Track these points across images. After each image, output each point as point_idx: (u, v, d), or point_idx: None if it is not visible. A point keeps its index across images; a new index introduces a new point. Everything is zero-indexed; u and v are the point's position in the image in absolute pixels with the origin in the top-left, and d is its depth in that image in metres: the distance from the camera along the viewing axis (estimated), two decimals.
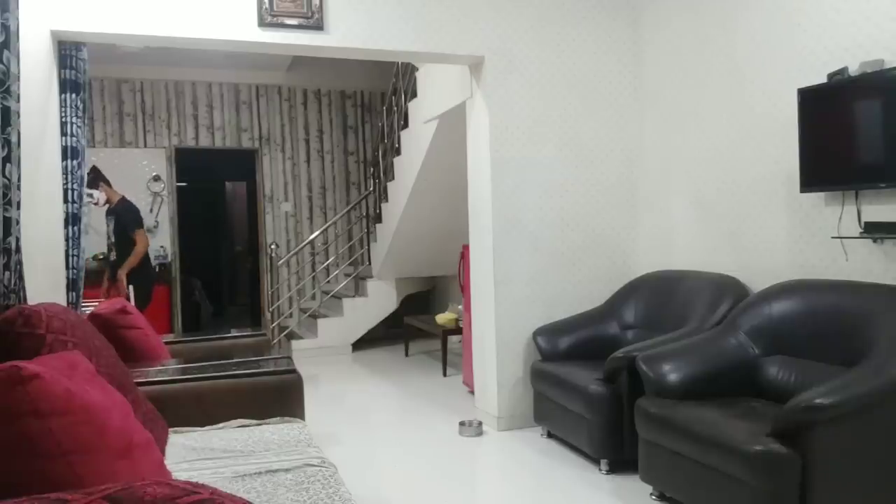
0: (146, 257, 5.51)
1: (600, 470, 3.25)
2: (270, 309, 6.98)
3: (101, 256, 6.40)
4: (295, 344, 6.71)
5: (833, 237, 2.96)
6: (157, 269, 6.85)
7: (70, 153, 3.33)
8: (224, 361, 2.97)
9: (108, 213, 5.49)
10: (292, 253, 7.37)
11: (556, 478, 3.24)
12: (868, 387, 2.23)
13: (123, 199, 5.48)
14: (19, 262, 2.22)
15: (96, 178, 5.31)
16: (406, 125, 6.12)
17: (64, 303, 3.27)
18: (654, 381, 2.84)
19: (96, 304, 3.71)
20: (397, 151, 6.35)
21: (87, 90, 3.50)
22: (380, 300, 6.89)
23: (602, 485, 3.11)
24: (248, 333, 4.08)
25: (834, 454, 2.19)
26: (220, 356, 3.15)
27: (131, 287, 5.26)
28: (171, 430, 2.37)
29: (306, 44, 3.63)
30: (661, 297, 3.76)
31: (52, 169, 3.20)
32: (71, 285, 3.34)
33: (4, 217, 2.08)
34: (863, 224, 2.81)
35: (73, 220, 3.34)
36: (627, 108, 4.28)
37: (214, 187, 10.12)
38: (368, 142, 8.00)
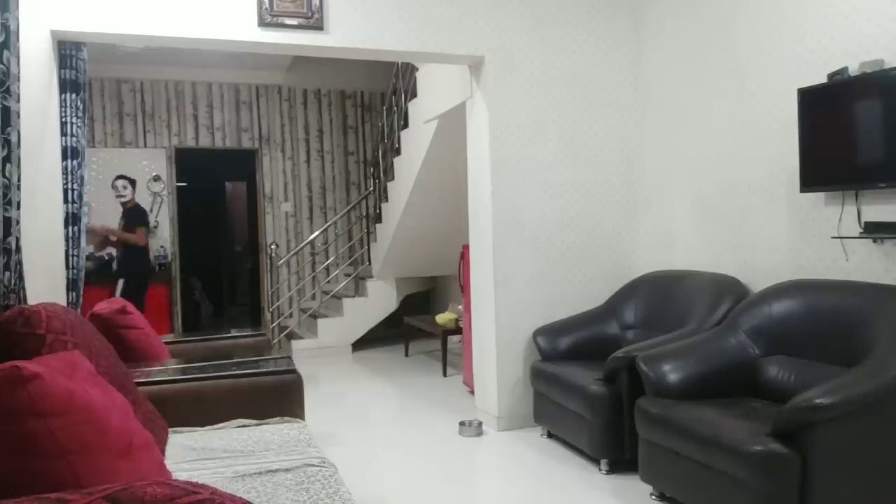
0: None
1: (600, 470, 3.25)
2: (270, 309, 6.98)
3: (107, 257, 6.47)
4: (295, 344, 6.71)
5: (833, 237, 2.96)
6: (156, 269, 6.86)
7: (70, 153, 3.33)
8: (224, 361, 2.97)
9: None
10: (292, 253, 7.37)
11: (556, 478, 3.24)
12: (868, 387, 2.22)
13: None
14: (19, 262, 2.22)
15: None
16: (406, 125, 6.12)
17: (64, 303, 3.27)
18: (654, 381, 2.84)
19: None
20: (397, 151, 6.35)
21: (87, 90, 3.50)
22: (380, 300, 6.89)
23: (602, 485, 3.11)
24: (248, 333, 4.08)
25: (834, 454, 2.19)
26: (220, 356, 3.16)
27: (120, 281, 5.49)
28: (171, 430, 2.37)
29: (306, 44, 3.63)
30: (661, 297, 3.76)
31: (52, 169, 3.20)
32: (71, 285, 3.34)
33: (4, 217, 2.08)
34: (863, 224, 2.81)
35: (73, 220, 3.34)
36: (627, 108, 4.28)
37: (214, 187, 10.13)
38: (368, 142, 8.00)
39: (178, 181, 7.39)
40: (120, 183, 6.71)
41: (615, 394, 3.18)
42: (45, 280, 2.95)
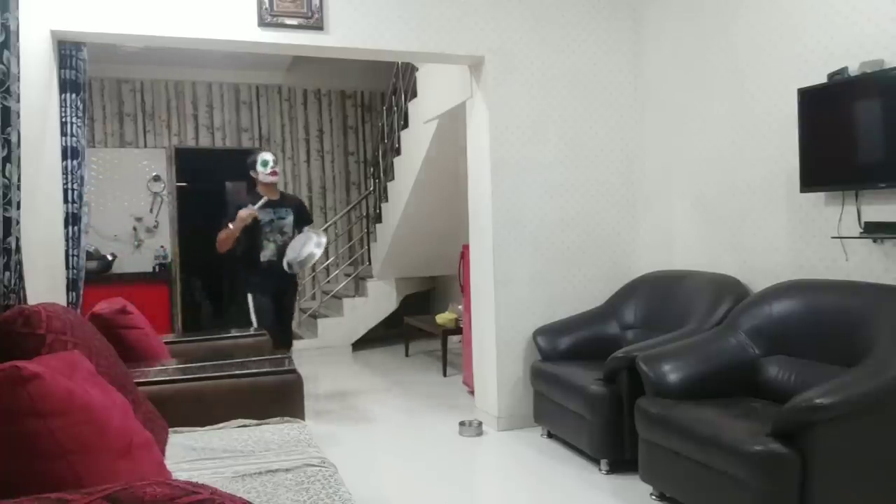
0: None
1: (600, 470, 3.25)
2: None
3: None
4: (295, 344, 6.70)
5: (833, 237, 2.96)
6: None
7: (70, 153, 3.32)
8: (224, 361, 2.96)
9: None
10: None
11: (556, 478, 3.24)
12: (868, 387, 2.22)
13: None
14: (19, 262, 2.22)
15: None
16: (406, 125, 6.12)
17: (64, 303, 3.27)
18: (654, 381, 2.83)
19: None
20: (397, 151, 6.35)
21: (87, 90, 3.50)
22: (380, 300, 6.89)
23: (602, 485, 3.11)
24: (248, 333, 4.07)
25: (834, 454, 2.19)
26: (220, 356, 3.15)
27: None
28: (171, 430, 2.37)
29: (306, 44, 3.63)
30: (661, 297, 3.76)
31: (52, 169, 3.20)
32: (71, 285, 3.34)
33: (4, 217, 2.08)
34: (863, 224, 2.81)
35: (73, 220, 3.34)
36: (627, 108, 4.28)
37: (214, 187, 10.11)
38: (368, 142, 8.00)
39: (178, 181, 7.39)
40: (269, 158, 4.83)
41: (615, 394, 3.17)
42: (45, 280, 2.95)
